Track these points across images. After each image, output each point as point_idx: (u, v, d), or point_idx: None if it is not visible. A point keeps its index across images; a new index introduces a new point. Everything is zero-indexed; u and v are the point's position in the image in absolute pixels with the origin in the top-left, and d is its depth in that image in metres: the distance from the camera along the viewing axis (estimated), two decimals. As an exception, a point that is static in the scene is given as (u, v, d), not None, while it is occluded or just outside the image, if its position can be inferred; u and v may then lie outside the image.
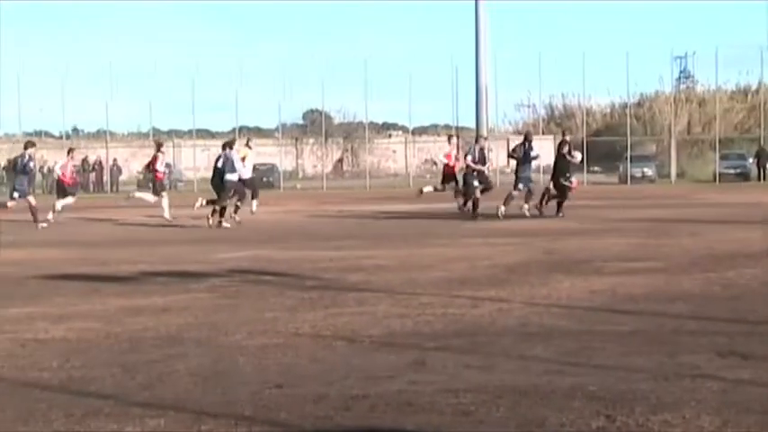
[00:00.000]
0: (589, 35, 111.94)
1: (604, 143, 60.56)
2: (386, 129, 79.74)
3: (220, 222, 24.17)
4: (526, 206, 25.21)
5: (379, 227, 23.62)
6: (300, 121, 74.15)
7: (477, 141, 28.03)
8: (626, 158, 55.69)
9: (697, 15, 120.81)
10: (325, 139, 64.54)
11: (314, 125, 68.55)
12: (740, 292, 11.29)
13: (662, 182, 54.19)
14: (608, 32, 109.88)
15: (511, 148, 27.95)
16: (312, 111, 72.07)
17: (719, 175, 53.06)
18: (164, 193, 27.26)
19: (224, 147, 25.73)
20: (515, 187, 25.85)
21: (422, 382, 7.06)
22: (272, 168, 59.21)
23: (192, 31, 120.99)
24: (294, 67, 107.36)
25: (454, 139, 32.25)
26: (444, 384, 6.96)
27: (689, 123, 66.74)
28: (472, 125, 63.27)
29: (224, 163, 24.95)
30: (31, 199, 25.27)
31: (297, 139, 69.27)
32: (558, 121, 74.46)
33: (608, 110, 75.31)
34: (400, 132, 74.52)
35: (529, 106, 74.22)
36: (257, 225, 24.78)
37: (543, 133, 67.81)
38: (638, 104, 70.07)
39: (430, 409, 6.36)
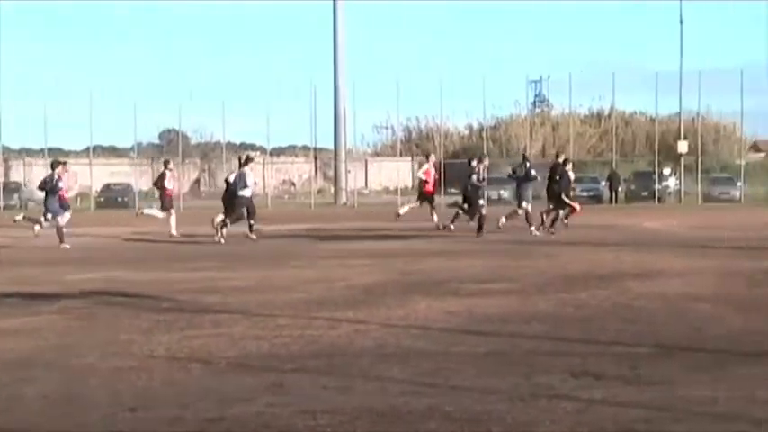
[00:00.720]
0: (448, 58, 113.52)
1: (461, 165, 61.07)
2: (243, 149, 79.33)
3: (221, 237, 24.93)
4: (533, 228, 25.82)
5: (235, 248, 23.41)
6: (156, 141, 73.42)
7: (481, 161, 28.73)
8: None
9: (552, 40, 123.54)
10: (182, 159, 63.86)
11: (170, 145, 67.83)
12: (592, 312, 11.48)
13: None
14: (466, 55, 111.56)
15: (511, 169, 29.15)
16: (168, 130, 71.44)
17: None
18: (171, 210, 28.65)
19: (242, 163, 26.22)
20: (519, 205, 26.95)
21: (279, 404, 7.01)
22: (126, 188, 58.88)
23: (42, 46, 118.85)
24: (150, 86, 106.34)
25: (432, 157, 33.16)
26: (302, 406, 6.92)
27: (544, 146, 68.02)
28: (330, 146, 63.55)
29: (236, 179, 25.58)
30: (61, 220, 24.51)
31: (153, 159, 68.40)
32: (416, 142, 75.14)
33: (466, 132, 76.33)
34: (258, 153, 74.24)
35: (387, 128, 74.79)
36: (111, 246, 24.39)
37: (401, 155, 68.30)
38: (495, 127, 71.16)
39: (287, 431, 6.31)
